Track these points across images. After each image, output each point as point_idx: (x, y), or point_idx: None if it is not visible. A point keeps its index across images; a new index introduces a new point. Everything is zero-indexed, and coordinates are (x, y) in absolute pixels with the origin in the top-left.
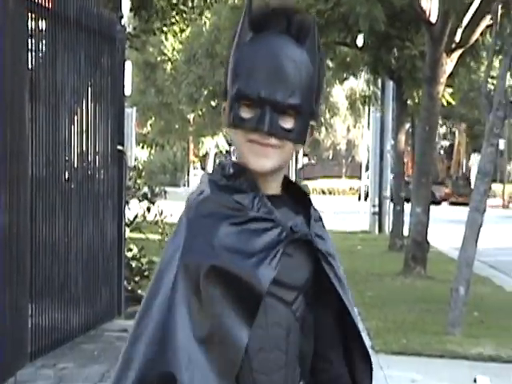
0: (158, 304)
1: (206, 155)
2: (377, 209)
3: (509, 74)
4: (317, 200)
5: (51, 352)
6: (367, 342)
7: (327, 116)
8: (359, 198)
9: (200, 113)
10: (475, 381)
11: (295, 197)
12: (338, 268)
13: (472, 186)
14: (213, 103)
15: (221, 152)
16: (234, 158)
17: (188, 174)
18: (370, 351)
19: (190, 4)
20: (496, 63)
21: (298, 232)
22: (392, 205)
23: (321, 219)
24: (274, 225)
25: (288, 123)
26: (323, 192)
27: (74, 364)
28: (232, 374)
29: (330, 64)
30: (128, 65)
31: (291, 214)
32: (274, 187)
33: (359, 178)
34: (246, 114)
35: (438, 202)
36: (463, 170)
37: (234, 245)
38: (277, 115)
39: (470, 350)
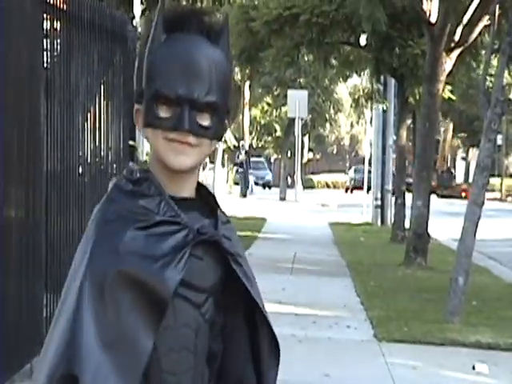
0: (67, 309)
1: (214, 150)
2: (379, 202)
3: (506, 72)
4: (321, 193)
5: None
6: (370, 331)
7: (331, 112)
8: (346, 191)
9: None
10: (474, 368)
11: (205, 200)
12: (248, 268)
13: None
14: None
15: (229, 148)
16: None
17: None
18: (373, 340)
19: (198, 5)
20: (494, 62)
21: (205, 233)
22: (394, 198)
23: (229, 222)
24: (180, 227)
25: (205, 121)
26: (327, 185)
27: None
28: (135, 379)
29: (334, 62)
30: None
31: (202, 218)
32: (187, 189)
33: (345, 172)
34: (164, 113)
35: None
36: (448, 165)
37: (141, 249)
38: (195, 113)
39: (469, 338)
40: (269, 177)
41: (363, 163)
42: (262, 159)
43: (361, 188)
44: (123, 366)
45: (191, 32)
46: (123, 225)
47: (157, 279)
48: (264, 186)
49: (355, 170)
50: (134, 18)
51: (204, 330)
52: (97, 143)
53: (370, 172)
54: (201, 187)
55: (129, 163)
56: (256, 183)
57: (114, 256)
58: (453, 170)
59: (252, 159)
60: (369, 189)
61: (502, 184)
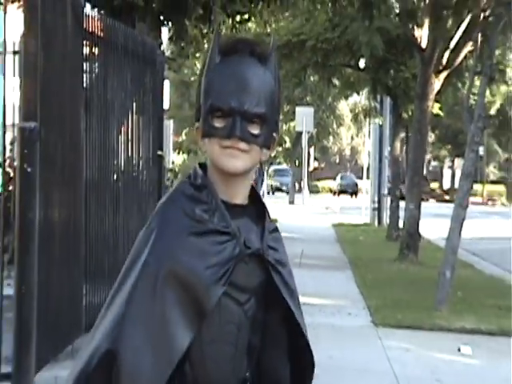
0: (122, 294)
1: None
2: (376, 205)
3: (487, 91)
4: (325, 198)
5: None
6: (368, 318)
7: (334, 126)
8: (333, 194)
9: None
10: (459, 350)
11: (257, 208)
12: (289, 275)
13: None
14: None
15: None
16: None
17: None
18: (371, 325)
19: (221, 23)
20: (477, 82)
21: (250, 247)
22: (389, 201)
23: (276, 230)
24: (229, 238)
25: (255, 130)
26: (331, 191)
27: None
28: (167, 370)
29: (337, 83)
30: (166, 83)
31: (251, 225)
32: (240, 194)
33: (334, 179)
34: (218, 124)
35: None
36: (423, 173)
37: (193, 254)
38: (245, 123)
39: (455, 324)
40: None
41: (362, 171)
42: (286, 167)
43: (346, 192)
44: (158, 356)
45: (243, 55)
46: (180, 227)
47: (203, 289)
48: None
49: (341, 177)
50: (161, 43)
51: (246, 326)
52: (129, 153)
53: (367, 178)
54: (253, 194)
55: (196, 167)
56: (280, 189)
57: (169, 256)
58: (428, 177)
59: (277, 167)
60: (355, 193)
61: (483, 190)
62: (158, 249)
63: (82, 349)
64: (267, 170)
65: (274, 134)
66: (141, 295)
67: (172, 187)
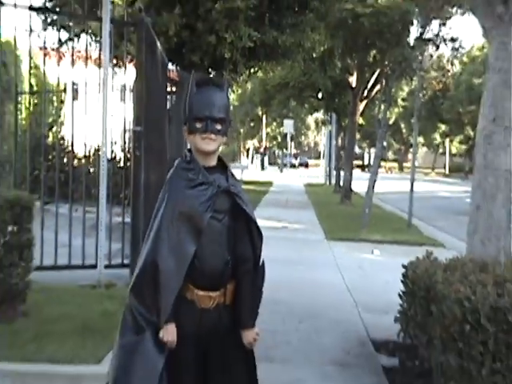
0: (153, 231)
1: (248, 149)
2: (327, 174)
3: (388, 112)
4: (300, 170)
5: None
6: (323, 235)
7: (304, 130)
8: (293, 167)
9: (244, 129)
10: (372, 252)
11: (222, 165)
12: (246, 200)
13: (356, 162)
14: (252, 124)
15: (255, 148)
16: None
17: (240, 159)
18: (325, 240)
19: (243, 72)
20: (382, 106)
21: (221, 187)
22: (334, 172)
23: (233, 176)
24: (209, 185)
25: (219, 127)
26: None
27: None
28: (184, 267)
29: (306, 106)
30: None
31: (220, 176)
32: (212, 161)
33: (295, 158)
34: (198, 125)
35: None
36: (353, 155)
37: (191, 199)
38: (213, 123)
39: (371, 238)
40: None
41: (319, 155)
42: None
43: (301, 165)
44: (178, 260)
45: (209, 85)
46: (182, 186)
47: (199, 217)
48: (304, 165)
49: (300, 158)
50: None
51: (224, 232)
52: (185, 145)
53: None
54: (220, 159)
55: (185, 151)
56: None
57: (177, 203)
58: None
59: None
60: (306, 166)
61: (386, 165)
62: (170, 200)
63: (137, 263)
64: (268, 154)
65: (227, 128)
66: (164, 227)
67: None
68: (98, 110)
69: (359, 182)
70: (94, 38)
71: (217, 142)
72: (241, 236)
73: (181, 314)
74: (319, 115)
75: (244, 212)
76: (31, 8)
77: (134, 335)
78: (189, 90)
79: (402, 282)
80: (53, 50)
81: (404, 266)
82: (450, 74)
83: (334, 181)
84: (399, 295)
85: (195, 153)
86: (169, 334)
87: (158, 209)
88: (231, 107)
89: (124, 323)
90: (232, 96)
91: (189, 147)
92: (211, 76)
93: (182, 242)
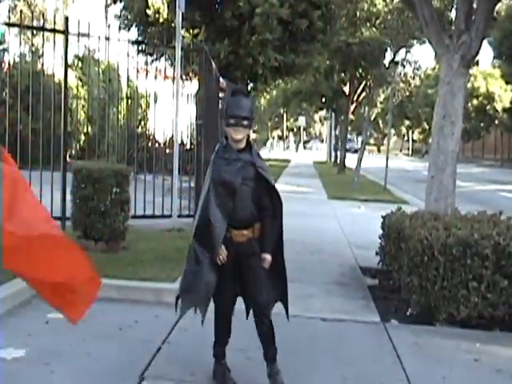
0: (203, 197)
1: (273, 137)
2: (329, 153)
3: (370, 112)
4: (311, 152)
5: None
6: (326, 195)
7: (313, 123)
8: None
9: (271, 123)
10: (359, 207)
11: (249, 147)
12: (266, 170)
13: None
14: (276, 119)
15: (278, 136)
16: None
17: (267, 143)
18: (327, 199)
19: (270, 84)
20: (366, 107)
21: (248, 161)
22: (334, 152)
23: (258, 154)
24: (239, 161)
25: (245, 122)
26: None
27: None
28: (226, 217)
29: (313, 107)
30: None
31: (247, 154)
32: (241, 145)
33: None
34: (231, 121)
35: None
36: (346, 141)
37: (226, 171)
38: (241, 120)
39: (359, 197)
40: (356, 146)
41: (323, 140)
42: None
43: (310, 149)
44: (222, 212)
45: (239, 94)
46: (220, 161)
47: (233, 183)
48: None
49: (302, 142)
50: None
51: (249, 192)
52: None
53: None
54: (248, 144)
55: (223, 138)
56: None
57: (218, 174)
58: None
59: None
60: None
61: (369, 148)
62: (213, 172)
63: (195, 219)
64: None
65: (252, 124)
66: (211, 191)
67: None
68: (172, 110)
69: (350, 159)
70: (170, 61)
71: (244, 133)
72: (262, 194)
73: (225, 245)
74: (323, 113)
75: (264, 178)
76: (129, 41)
77: (195, 265)
78: (226, 96)
79: (381, 227)
80: (142, 69)
81: (382, 217)
82: (412, 85)
83: (333, 159)
84: (379, 237)
85: (230, 139)
86: (221, 253)
87: (207, 179)
88: (262, 108)
89: (189, 256)
90: (262, 100)
91: (225, 135)
92: (241, 87)
93: (223, 201)
